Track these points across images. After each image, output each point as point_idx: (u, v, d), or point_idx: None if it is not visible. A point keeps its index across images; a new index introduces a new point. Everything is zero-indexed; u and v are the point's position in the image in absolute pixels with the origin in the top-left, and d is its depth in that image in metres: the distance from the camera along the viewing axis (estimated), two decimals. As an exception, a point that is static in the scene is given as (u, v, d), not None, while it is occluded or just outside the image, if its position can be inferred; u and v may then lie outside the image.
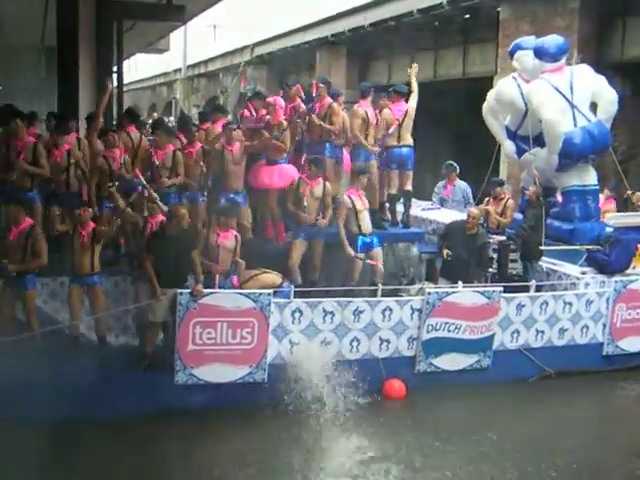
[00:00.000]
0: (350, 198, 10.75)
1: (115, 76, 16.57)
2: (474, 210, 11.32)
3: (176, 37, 35.46)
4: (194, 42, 45.85)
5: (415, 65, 12.66)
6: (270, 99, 11.68)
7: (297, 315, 9.54)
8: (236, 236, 9.76)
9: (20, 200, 9.34)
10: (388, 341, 9.95)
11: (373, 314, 9.83)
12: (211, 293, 9.13)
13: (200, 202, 10.69)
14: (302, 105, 11.66)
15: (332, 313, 9.65)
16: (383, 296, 9.94)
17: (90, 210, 9.35)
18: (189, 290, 9.02)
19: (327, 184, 10.78)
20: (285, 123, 11.14)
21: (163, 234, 9.19)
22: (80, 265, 9.17)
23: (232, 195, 10.71)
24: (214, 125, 11.51)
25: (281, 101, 11.64)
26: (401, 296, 10.34)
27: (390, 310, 9.90)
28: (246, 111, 11.84)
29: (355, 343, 9.82)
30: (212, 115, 11.90)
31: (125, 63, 23.10)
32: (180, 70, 48.08)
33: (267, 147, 10.93)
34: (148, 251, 9.12)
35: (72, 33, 14.77)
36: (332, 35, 30.42)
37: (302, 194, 10.59)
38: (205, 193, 10.77)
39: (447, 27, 25.01)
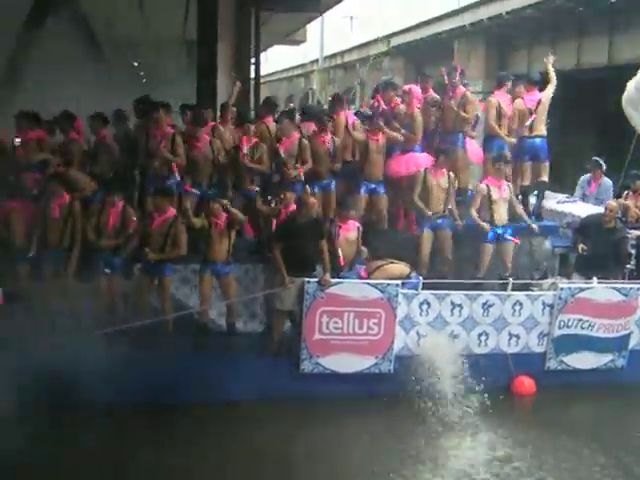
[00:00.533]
0: (487, 187, 10.59)
1: (252, 67, 16.96)
2: (612, 203, 10.85)
3: (313, 28, 35.83)
4: (331, 33, 46.14)
5: (552, 55, 12.22)
6: (406, 87, 11.69)
7: (425, 307, 9.46)
8: (358, 227, 9.76)
9: (164, 190, 9.53)
10: (518, 336, 9.74)
11: (503, 308, 9.65)
12: (338, 283, 9.17)
13: (332, 191, 10.73)
14: (435, 95, 11.56)
15: (460, 306, 9.53)
16: (513, 290, 9.72)
17: (224, 201, 9.43)
18: (317, 279, 9.10)
19: (451, 174, 10.67)
20: (417, 112, 11.10)
21: (292, 223, 9.28)
22: (215, 253, 9.35)
23: (374, 185, 10.78)
24: (338, 116, 11.43)
25: (417, 90, 11.59)
26: (532, 291, 10.07)
27: (520, 305, 9.69)
28: (375, 102, 11.80)
29: (483, 337, 9.67)
30: (335, 106, 11.80)
31: (262, 55, 23.55)
32: (317, 61, 48.45)
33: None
34: (277, 240, 9.25)
35: (212, 26, 15.21)
36: (470, 24, 29.86)
37: (430, 185, 10.50)
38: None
39: (591, 12, 23.97)
